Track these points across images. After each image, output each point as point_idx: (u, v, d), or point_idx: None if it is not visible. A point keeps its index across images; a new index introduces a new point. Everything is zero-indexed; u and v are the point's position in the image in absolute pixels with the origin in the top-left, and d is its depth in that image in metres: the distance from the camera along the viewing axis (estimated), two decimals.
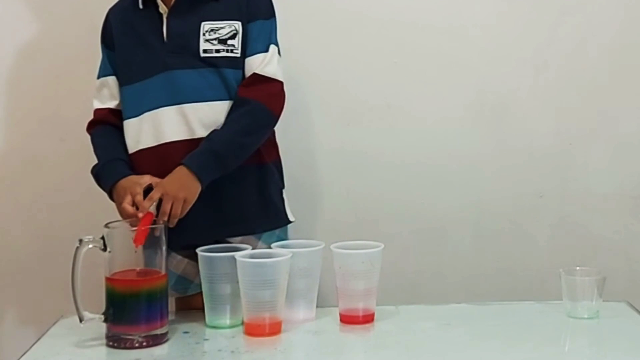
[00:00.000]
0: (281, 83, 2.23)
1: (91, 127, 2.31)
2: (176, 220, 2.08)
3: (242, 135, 2.16)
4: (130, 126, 2.22)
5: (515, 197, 2.75)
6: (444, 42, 2.71)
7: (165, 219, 2.05)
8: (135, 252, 1.97)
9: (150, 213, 2.02)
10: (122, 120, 2.25)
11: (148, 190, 2.09)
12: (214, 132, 2.16)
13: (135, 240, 1.94)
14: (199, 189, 2.10)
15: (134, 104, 2.22)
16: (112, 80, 2.28)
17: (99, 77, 2.31)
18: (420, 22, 2.70)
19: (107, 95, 2.29)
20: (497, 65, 2.72)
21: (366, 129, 2.73)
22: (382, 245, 2.10)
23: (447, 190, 2.75)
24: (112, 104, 2.28)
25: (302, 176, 2.65)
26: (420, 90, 2.72)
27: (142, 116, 2.20)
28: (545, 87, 2.72)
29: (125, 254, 1.97)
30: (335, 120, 2.73)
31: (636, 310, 2.17)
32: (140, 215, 2.02)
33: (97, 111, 2.30)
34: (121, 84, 2.26)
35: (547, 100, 2.73)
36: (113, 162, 2.20)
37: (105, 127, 2.27)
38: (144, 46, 2.22)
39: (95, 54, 2.35)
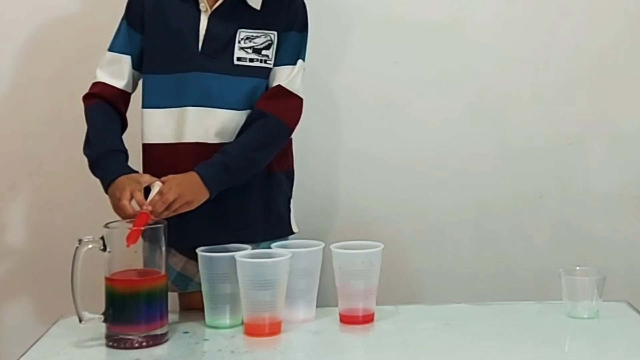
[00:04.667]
0: (301, 100, 2.22)
1: (90, 98, 2.22)
2: (165, 214, 2.02)
3: (255, 149, 2.15)
4: (151, 116, 2.19)
5: (515, 197, 2.75)
6: (444, 42, 2.70)
7: (162, 208, 2.01)
8: (135, 252, 1.96)
9: (146, 213, 2.00)
10: (127, 105, 2.21)
11: (146, 190, 2.07)
12: (228, 145, 2.14)
13: (127, 239, 1.92)
14: (206, 198, 2.09)
15: (156, 95, 2.19)
16: (127, 59, 2.22)
17: (112, 50, 2.24)
18: (421, 22, 2.70)
19: (117, 72, 2.22)
20: (497, 65, 2.71)
21: (366, 129, 2.73)
22: (382, 245, 2.10)
23: (447, 190, 2.74)
24: (120, 83, 2.22)
25: (301, 176, 2.64)
26: (420, 90, 2.72)
27: (164, 110, 2.17)
28: (545, 87, 2.72)
29: (125, 254, 1.96)
30: (335, 120, 2.73)
31: (636, 310, 2.17)
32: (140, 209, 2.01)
33: (105, 86, 2.21)
34: (144, 71, 2.22)
35: (547, 100, 2.73)
36: (114, 154, 2.15)
37: (108, 108, 2.20)
38: (176, 40, 2.18)
39: (96, 54, 2.34)
